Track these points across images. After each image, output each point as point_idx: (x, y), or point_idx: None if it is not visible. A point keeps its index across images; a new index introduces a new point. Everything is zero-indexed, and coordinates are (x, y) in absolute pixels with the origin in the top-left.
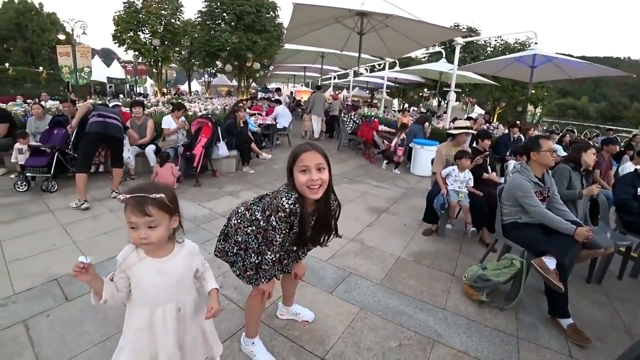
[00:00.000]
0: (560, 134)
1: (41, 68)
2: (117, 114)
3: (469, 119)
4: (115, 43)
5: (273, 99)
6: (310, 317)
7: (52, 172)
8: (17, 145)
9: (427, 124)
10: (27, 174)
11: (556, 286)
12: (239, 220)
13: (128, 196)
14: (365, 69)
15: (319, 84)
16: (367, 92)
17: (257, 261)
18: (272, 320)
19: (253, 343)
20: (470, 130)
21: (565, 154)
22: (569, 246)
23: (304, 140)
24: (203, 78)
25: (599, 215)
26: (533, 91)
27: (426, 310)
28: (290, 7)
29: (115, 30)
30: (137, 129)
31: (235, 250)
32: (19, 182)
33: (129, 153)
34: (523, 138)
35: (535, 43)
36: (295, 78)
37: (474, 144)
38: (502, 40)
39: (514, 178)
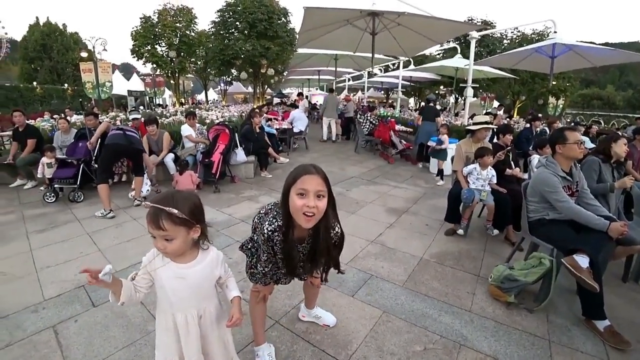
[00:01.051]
0: (586, 125)
1: (66, 85)
2: (134, 130)
3: (488, 114)
4: (134, 57)
5: (288, 103)
6: (332, 322)
7: (78, 183)
8: (44, 160)
9: (438, 118)
10: (55, 186)
11: (590, 286)
12: (257, 220)
13: (149, 205)
14: (380, 69)
15: (332, 87)
16: (382, 92)
17: (264, 268)
18: (294, 325)
19: (257, 355)
20: (490, 125)
21: (593, 145)
22: (603, 243)
23: (322, 144)
24: (219, 86)
25: (634, 209)
26: (554, 82)
27: (451, 313)
28: (301, 12)
29: (133, 45)
30: (154, 144)
31: (249, 246)
32: (47, 194)
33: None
34: (548, 131)
35: (555, 32)
36: (309, 82)
37: (495, 140)
38: (518, 31)
39: (539, 173)
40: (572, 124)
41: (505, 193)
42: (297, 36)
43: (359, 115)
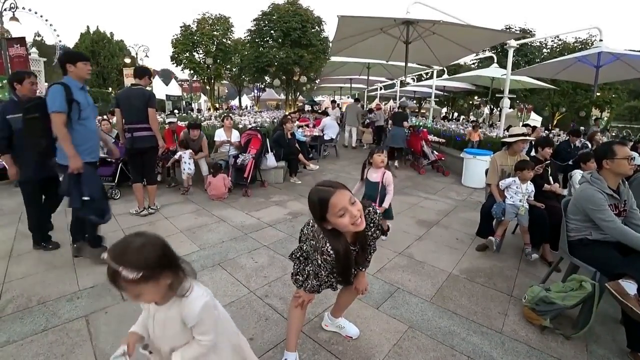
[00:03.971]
0: (635, 140)
1: (110, 89)
2: (143, 128)
3: (525, 126)
4: (173, 63)
5: (319, 110)
6: (355, 334)
7: (116, 180)
8: None
9: (405, 122)
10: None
11: (637, 315)
12: (308, 232)
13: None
14: (412, 78)
15: (356, 96)
16: (414, 101)
17: (310, 271)
18: (317, 334)
19: (285, 359)
20: (528, 138)
21: None
22: None
23: (352, 152)
24: (252, 93)
25: None
26: (599, 94)
27: (480, 333)
28: (335, 21)
29: (173, 52)
30: (192, 144)
31: (297, 255)
32: None
33: (189, 166)
34: (590, 145)
35: (600, 40)
36: (341, 90)
37: (532, 153)
38: (559, 40)
39: (583, 189)
40: (619, 138)
41: (542, 208)
42: (330, 44)
43: (390, 125)
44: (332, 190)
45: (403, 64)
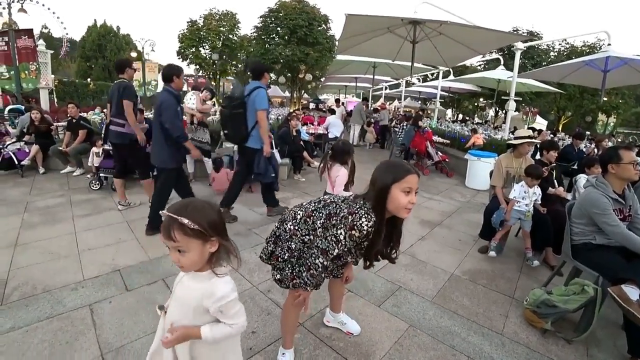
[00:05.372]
0: None
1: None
2: (117, 122)
3: (531, 129)
4: (179, 58)
5: (324, 109)
6: (356, 330)
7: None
8: (94, 149)
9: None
10: (101, 175)
11: (639, 320)
12: (295, 227)
13: (164, 213)
14: (418, 78)
15: (363, 96)
16: (419, 102)
17: (306, 270)
18: (318, 329)
19: (283, 354)
20: (534, 140)
21: None
22: None
23: (356, 152)
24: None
25: None
26: (605, 98)
27: (481, 334)
28: (341, 19)
29: (179, 47)
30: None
31: (286, 257)
32: (93, 181)
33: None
34: (597, 150)
35: (609, 44)
36: (346, 89)
37: (537, 156)
38: (567, 43)
39: (588, 193)
40: (627, 143)
41: (545, 213)
42: (337, 43)
43: (394, 124)
44: (412, 170)
45: (409, 63)
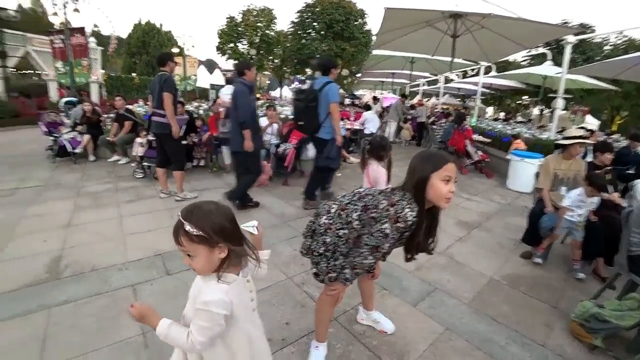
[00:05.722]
0: None
1: None
2: (159, 113)
3: (581, 129)
4: (219, 53)
5: (360, 104)
6: (390, 329)
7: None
8: (138, 140)
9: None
10: (144, 164)
11: None
12: (330, 221)
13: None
14: (457, 74)
15: (404, 92)
16: (458, 99)
17: (343, 264)
18: (352, 325)
19: (317, 347)
20: (586, 141)
21: None
22: None
23: (397, 147)
24: (293, 84)
25: None
26: None
27: (521, 344)
28: (377, 14)
29: (219, 43)
30: None
31: (321, 251)
32: (137, 170)
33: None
34: None
35: None
36: (383, 85)
37: (588, 158)
38: (624, 36)
39: None
40: None
41: (596, 220)
42: (374, 38)
43: (431, 121)
44: (451, 159)
45: (448, 59)
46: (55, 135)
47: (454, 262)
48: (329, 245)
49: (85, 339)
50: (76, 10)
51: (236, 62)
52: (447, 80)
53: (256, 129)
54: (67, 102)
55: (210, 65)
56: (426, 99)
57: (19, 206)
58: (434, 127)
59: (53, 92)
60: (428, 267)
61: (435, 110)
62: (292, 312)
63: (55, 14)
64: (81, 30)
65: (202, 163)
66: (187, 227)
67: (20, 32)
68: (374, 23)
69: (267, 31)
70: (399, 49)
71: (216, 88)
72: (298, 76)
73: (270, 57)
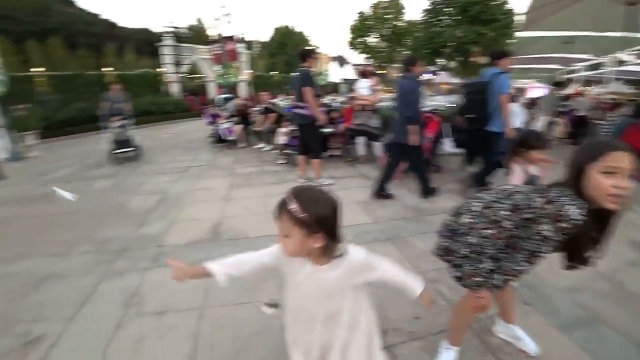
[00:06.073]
0: None
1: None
2: (300, 105)
3: None
4: (351, 48)
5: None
6: (534, 350)
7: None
8: (280, 130)
9: None
10: (286, 151)
11: None
12: (474, 220)
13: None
14: (633, 54)
15: (561, 79)
16: (634, 86)
17: (491, 268)
18: (487, 336)
19: (448, 349)
20: None
21: None
22: None
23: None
24: (424, 75)
25: None
26: None
27: None
28: None
29: (351, 38)
30: None
31: (465, 253)
32: (279, 157)
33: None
34: None
35: None
36: (529, 71)
37: None
38: None
39: None
40: None
41: None
42: (515, 18)
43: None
44: (620, 147)
45: (620, 34)
46: (215, 125)
47: (621, 289)
48: (474, 246)
49: (237, 294)
50: (229, 22)
51: (406, 57)
52: (617, 63)
53: (421, 124)
54: (225, 98)
55: (341, 61)
56: (584, 88)
57: (193, 179)
58: (601, 122)
59: (212, 91)
60: (584, 290)
61: (601, 101)
62: (422, 307)
63: (213, 27)
64: (231, 38)
65: (337, 153)
66: (292, 206)
67: (189, 45)
68: (516, 1)
69: (395, 22)
70: (552, 29)
71: (348, 82)
72: (429, 67)
73: (400, 49)
